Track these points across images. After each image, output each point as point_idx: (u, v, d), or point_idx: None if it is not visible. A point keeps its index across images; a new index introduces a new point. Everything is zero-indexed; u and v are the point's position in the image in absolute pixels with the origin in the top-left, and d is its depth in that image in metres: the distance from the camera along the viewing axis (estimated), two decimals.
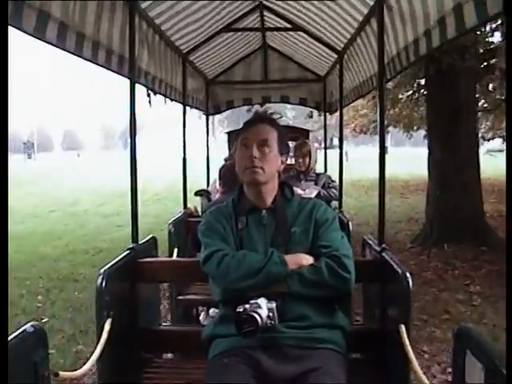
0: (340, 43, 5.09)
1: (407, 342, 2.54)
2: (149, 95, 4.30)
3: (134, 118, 3.41)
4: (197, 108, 6.60)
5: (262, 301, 2.37)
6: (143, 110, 4.10)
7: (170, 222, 4.73)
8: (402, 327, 2.60)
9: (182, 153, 5.55)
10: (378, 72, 3.52)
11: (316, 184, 5.96)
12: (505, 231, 1.79)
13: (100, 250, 10.71)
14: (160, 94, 4.62)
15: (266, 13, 5.47)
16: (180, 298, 4.43)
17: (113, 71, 3.40)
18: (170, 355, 3.80)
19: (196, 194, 5.99)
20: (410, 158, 38.33)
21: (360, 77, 4.83)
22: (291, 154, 6.34)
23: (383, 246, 3.26)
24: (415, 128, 20.84)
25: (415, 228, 11.94)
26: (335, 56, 5.59)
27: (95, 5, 2.94)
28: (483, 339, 1.83)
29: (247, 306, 2.35)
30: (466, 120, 10.03)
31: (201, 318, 5.30)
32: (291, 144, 6.32)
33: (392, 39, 3.40)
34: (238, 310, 2.36)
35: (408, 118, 19.27)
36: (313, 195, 5.79)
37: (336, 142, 77.00)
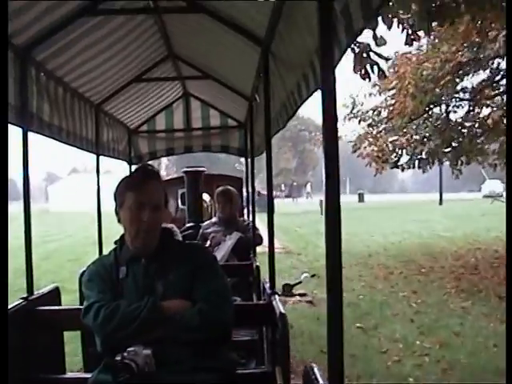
0: (248, 90, 5.22)
1: None
2: None
3: (27, 167, 3.44)
4: (117, 158, 6.61)
5: (139, 348, 2.41)
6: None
7: (82, 270, 4.68)
8: (279, 369, 2.64)
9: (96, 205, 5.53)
10: (264, 124, 3.62)
11: (237, 230, 6.06)
12: None
13: None
14: (68, 144, 4.63)
15: (178, 62, 5.59)
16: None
17: (12, 124, 3.43)
18: None
19: (116, 242, 5.96)
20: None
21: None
22: (215, 199, 6.46)
23: (274, 290, 3.35)
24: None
25: None
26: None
27: None
28: (319, 380, 1.84)
29: (125, 353, 2.39)
30: None
31: (116, 357, 5.22)
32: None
33: (278, 87, 3.50)
34: (116, 358, 2.40)
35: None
36: (233, 240, 5.90)
37: (309, 188, 76.14)
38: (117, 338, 2.49)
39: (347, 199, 49.30)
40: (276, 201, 30.36)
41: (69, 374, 3.72)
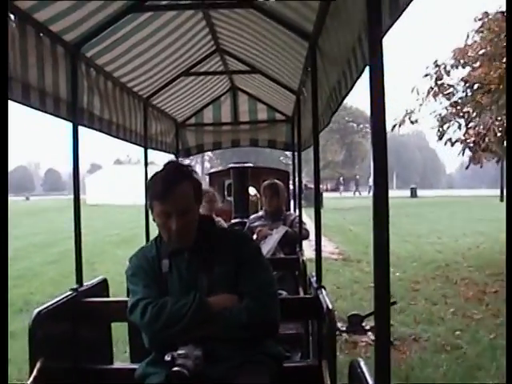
0: (295, 84, 5.20)
1: (327, 378, 2.57)
2: None
3: (77, 161, 3.51)
4: (165, 151, 6.69)
5: (190, 349, 2.42)
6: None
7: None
8: (325, 363, 2.64)
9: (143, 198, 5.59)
10: (312, 118, 3.61)
11: (284, 223, 6.06)
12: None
13: None
14: (118, 137, 4.71)
15: (226, 56, 5.62)
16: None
17: (62, 118, 3.50)
18: None
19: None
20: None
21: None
22: (261, 193, 6.48)
23: (320, 284, 3.34)
24: None
25: None
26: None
27: (35, 56, 3.04)
28: (366, 374, 1.83)
29: (175, 354, 2.40)
30: None
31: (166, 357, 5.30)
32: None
33: (324, 82, 3.48)
34: (166, 358, 2.41)
35: None
36: (280, 234, 5.90)
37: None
38: (165, 336, 2.49)
39: (397, 194, 46.14)
40: (329, 195, 27.73)
41: (116, 365, 3.79)
